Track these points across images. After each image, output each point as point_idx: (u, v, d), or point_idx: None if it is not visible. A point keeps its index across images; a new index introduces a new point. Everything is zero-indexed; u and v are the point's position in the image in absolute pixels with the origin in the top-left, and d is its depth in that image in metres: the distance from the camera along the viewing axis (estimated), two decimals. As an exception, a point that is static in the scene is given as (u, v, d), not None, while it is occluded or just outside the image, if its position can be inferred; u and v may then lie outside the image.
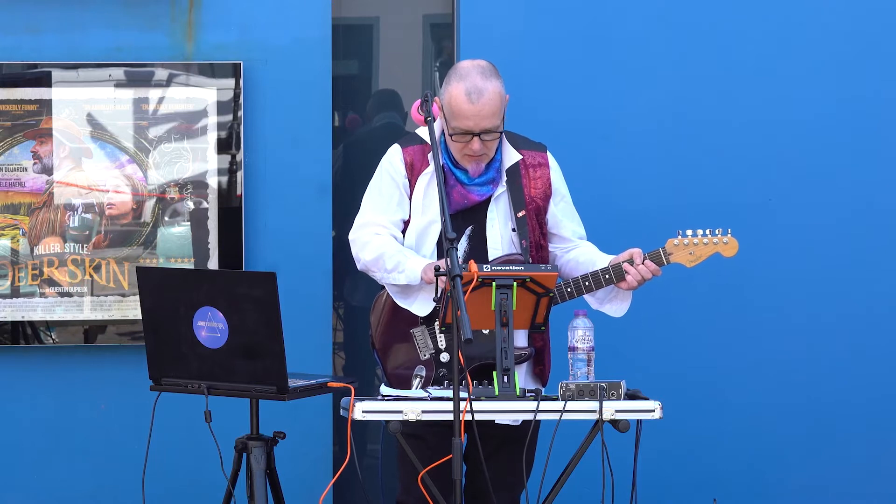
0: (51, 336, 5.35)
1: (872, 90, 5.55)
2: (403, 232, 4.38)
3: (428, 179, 4.33)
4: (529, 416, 4.06)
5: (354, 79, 5.78)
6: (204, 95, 5.34)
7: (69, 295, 5.32)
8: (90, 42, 5.35)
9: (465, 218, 4.34)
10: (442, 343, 4.35)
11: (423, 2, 5.72)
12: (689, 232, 4.34)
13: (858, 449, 5.57)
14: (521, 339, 4.39)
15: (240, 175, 5.35)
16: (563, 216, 4.47)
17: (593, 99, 5.48)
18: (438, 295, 4.21)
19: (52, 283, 5.31)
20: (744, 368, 5.53)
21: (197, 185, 5.34)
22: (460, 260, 4.26)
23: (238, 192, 5.35)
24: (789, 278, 5.54)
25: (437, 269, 4.00)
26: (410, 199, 4.36)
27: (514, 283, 4.12)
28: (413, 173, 4.35)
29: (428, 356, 4.37)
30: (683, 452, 5.49)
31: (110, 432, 5.36)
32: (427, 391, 4.17)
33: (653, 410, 4.09)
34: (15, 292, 5.30)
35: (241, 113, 5.34)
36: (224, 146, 5.35)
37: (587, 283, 4.31)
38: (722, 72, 5.52)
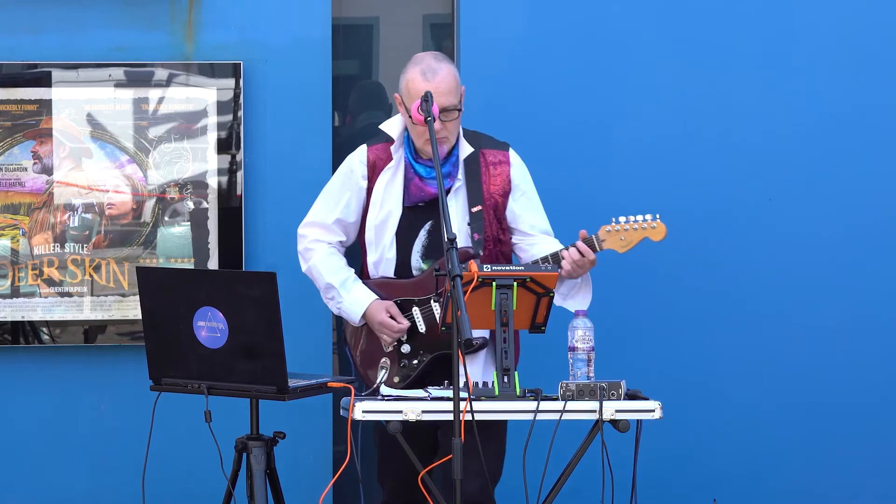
0: (51, 336, 5.35)
1: (873, 90, 5.54)
2: (361, 228, 4.57)
3: (391, 174, 4.51)
4: (529, 417, 4.06)
5: (354, 79, 5.78)
6: (204, 95, 5.34)
7: (69, 295, 5.32)
8: (90, 42, 5.35)
9: (424, 213, 4.50)
10: (403, 336, 4.48)
11: (423, 2, 5.72)
12: (621, 218, 4.48)
13: (858, 449, 5.56)
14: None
15: (240, 175, 5.35)
16: (523, 211, 4.58)
17: (593, 99, 5.48)
18: (438, 294, 4.32)
19: (52, 283, 5.31)
20: (744, 368, 5.53)
21: (197, 185, 5.34)
22: (420, 254, 4.48)
23: (238, 192, 5.35)
24: (790, 278, 5.54)
25: (436, 269, 4.07)
26: (370, 196, 4.53)
27: (514, 283, 4.13)
28: (374, 172, 4.54)
29: (391, 349, 4.50)
30: (683, 452, 5.49)
31: (110, 432, 5.36)
32: (427, 391, 4.18)
33: (653, 410, 4.09)
34: (15, 292, 5.30)
35: (241, 113, 5.34)
36: (224, 146, 5.35)
37: None
38: (723, 71, 5.51)
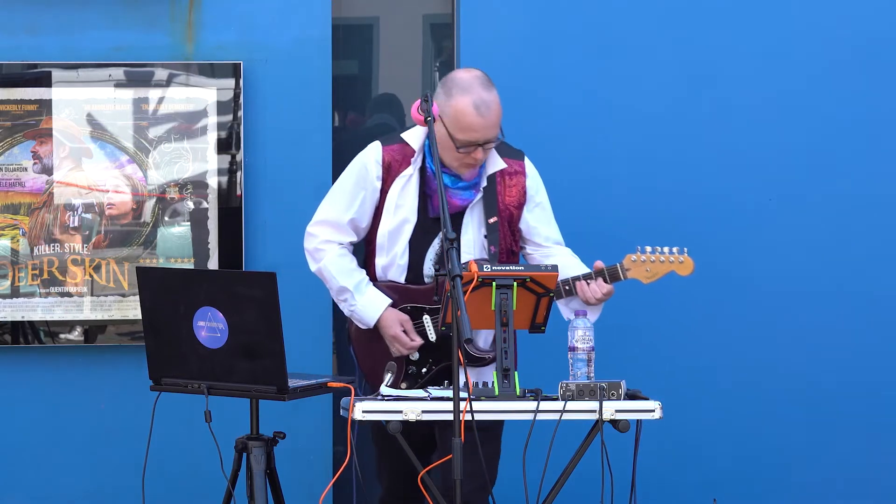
0: (51, 336, 5.35)
1: (874, 90, 5.55)
2: (374, 231, 4.46)
3: (405, 181, 4.43)
4: (529, 417, 4.06)
5: (354, 79, 5.78)
6: (204, 95, 5.34)
7: (69, 295, 5.32)
8: (90, 42, 5.35)
9: (438, 222, 4.32)
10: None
11: (423, 2, 5.73)
12: (647, 248, 4.42)
13: (858, 449, 5.56)
14: (488, 342, 4.47)
15: (240, 175, 5.35)
16: (537, 222, 4.55)
17: (593, 99, 5.48)
18: (438, 295, 4.30)
19: (52, 283, 5.31)
20: (744, 368, 5.53)
21: (197, 185, 5.34)
22: (433, 261, 4.42)
23: (238, 192, 5.35)
24: (789, 279, 5.54)
25: (436, 269, 4.04)
26: (384, 200, 4.44)
27: (514, 283, 4.13)
28: (390, 174, 4.44)
29: (398, 354, 4.45)
30: (683, 452, 5.49)
31: (110, 432, 5.36)
32: (427, 391, 4.18)
33: (653, 410, 4.09)
34: (15, 292, 5.30)
35: (241, 113, 5.34)
36: (224, 146, 5.35)
37: None
38: (724, 71, 5.51)
